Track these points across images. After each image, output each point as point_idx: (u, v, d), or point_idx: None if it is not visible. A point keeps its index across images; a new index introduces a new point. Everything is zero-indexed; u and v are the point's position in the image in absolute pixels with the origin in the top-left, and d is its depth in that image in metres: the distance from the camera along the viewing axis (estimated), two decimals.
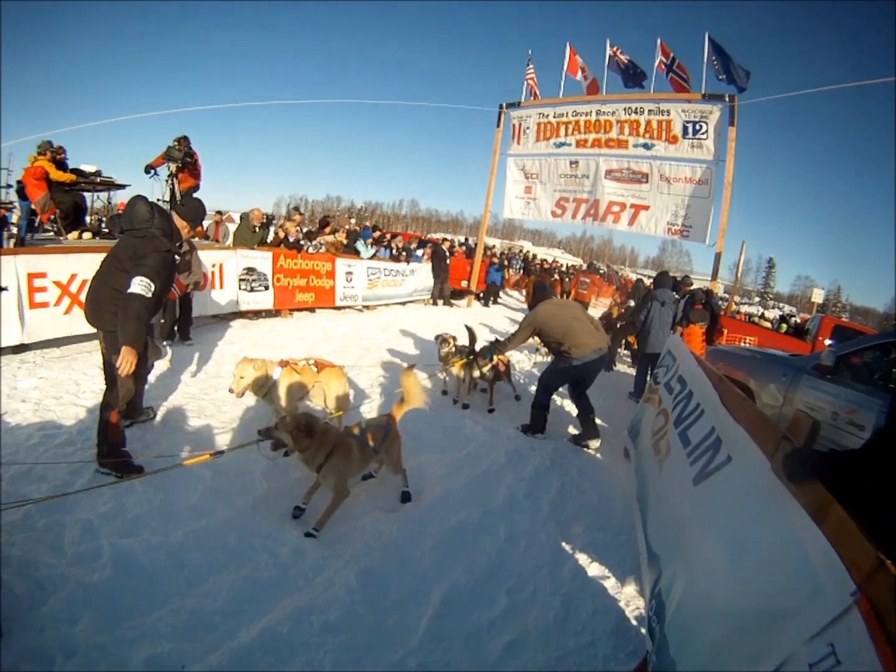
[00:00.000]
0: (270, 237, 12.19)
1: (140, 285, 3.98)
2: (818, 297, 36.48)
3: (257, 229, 11.18)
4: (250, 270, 10.27)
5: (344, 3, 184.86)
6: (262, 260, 10.56)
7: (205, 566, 3.30)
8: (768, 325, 20.35)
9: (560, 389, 6.71)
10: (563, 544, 4.14)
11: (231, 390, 4.75)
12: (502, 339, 6.82)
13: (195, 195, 10.15)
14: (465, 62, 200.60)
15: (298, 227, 12.59)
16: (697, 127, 13.09)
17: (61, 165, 9.98)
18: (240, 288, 10.03)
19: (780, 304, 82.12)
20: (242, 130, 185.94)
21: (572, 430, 6.61)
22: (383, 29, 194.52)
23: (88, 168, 11.99)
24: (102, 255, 4.65)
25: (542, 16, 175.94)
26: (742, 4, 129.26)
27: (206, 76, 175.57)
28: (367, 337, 10.57)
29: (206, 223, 12.88)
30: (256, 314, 10.70)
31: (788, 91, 12.45)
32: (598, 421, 6.41)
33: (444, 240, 19.37)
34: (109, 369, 4.31)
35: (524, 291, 24.49)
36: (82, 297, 6.21)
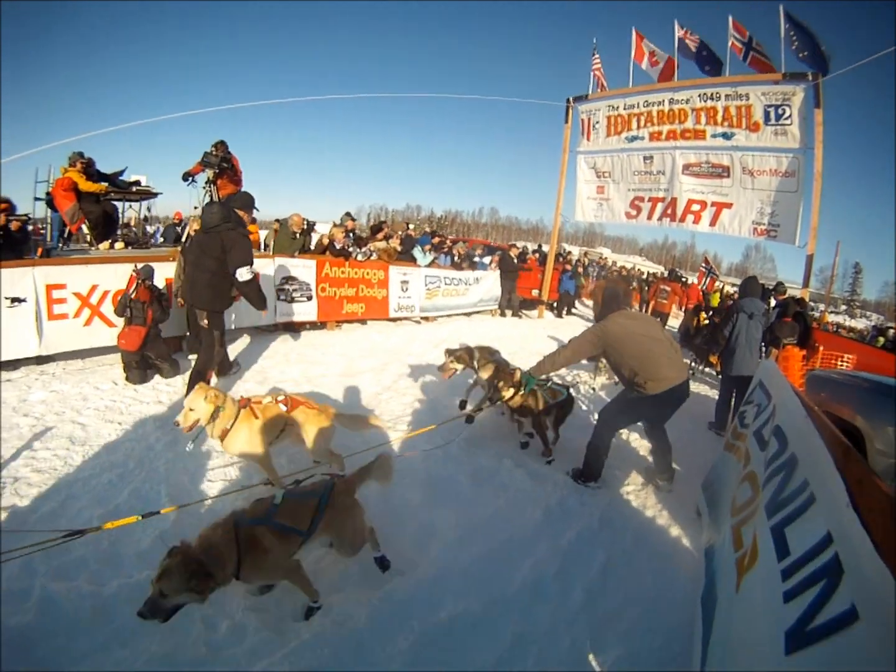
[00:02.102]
0: (314, 243, 11.47)
1: (246, 273, 5.74)
2: None
3: (297, 236, 10.49)
4: (290, 279, 9.57)
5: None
6: (303, 268, 9.84)
7: (132, 627, 2.77)
8: (852, 335, 18.30)
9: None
10: (592, 657, 2.98)
11: (177, 423, 3.80)
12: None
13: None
14: (532, 58, 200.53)
15: (348, 234, 11.81)
16: (780, 111, 11.63)
17: (91, 175, 9.72)
18: (278, 298, 9.33)
19: (867, 313, 77.74)
20: (321, 137, 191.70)
21: (636, 478, 5.38)
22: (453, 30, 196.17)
23: (134, 178, 11.90)
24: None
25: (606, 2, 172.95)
26: None
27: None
28: (415, 353, 9.54)
29: (263, 233, 12.50)
30: (300, 326, 9.98)
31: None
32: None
33: (513, 246, 18.20)
34: (208, 337, 6.06)
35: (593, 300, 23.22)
36: (104, 309, 6.90)
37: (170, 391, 6.35)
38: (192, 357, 7.18)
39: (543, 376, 5.40)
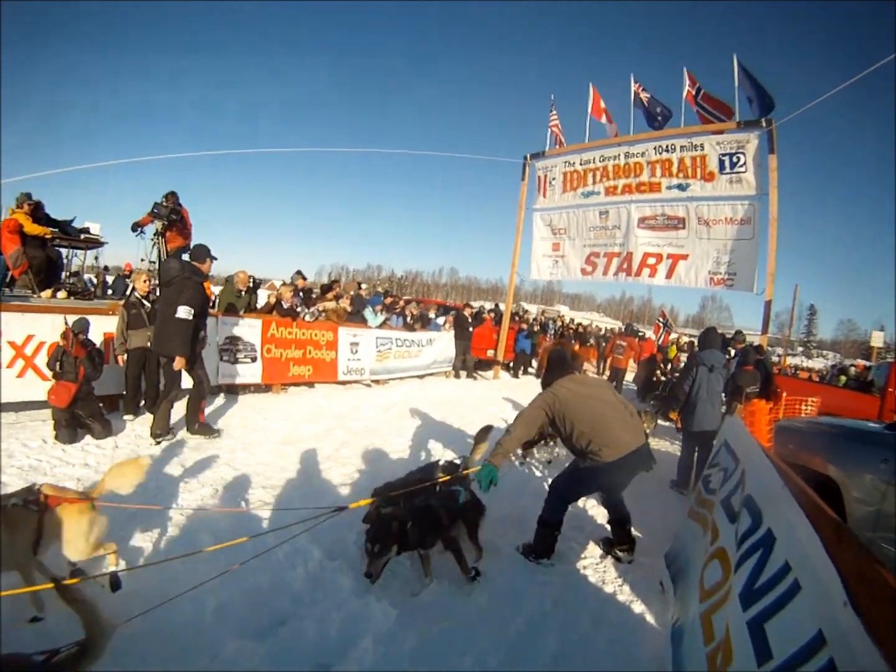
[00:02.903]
0: (261, 303, 11.01)
1: (183, 312, 6.20)
2: (878, 340, 33.41)
3: (242, 294, 10.06)
4: (234, 339, 9.10)
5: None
6: (248, 328, 9.38)
7: None
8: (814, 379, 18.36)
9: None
10: None
11: None
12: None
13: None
14: (491, 116, 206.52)
15: (297, 293, 11.38)
16: (735, 159, 11.65)
17: (38, 219, 9.41)
18: (221, 358, 8.85)
19: (824, 352, 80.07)
20: (283, 191, 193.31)
21: (594, 549, 4.85)
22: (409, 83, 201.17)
23: (88, 225, 11.59)
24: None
25: (564, 57, 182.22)
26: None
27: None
28: (364, 417, 9.02)
29: (217, 289, 12.18)
30: (244, 388, 9.46)
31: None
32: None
33: (468, 305, 17.97)
34: (195, 376, 6.76)
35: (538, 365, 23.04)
36: (38, 361, 6.59)
37: (98, 453, 5.91)
38: (128, 417, 7.07)
39: None
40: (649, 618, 3.78)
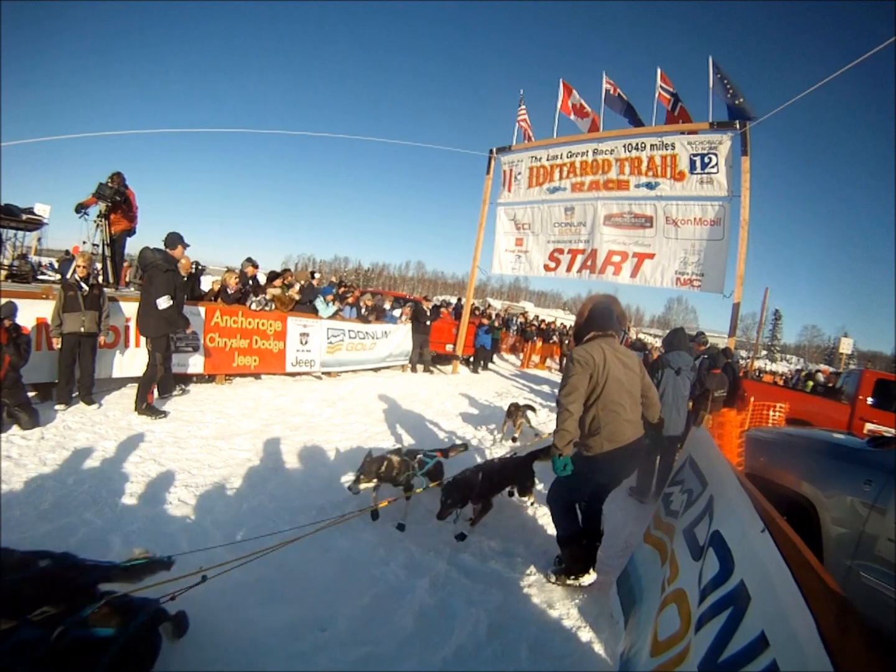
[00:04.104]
0: (206, 288, 10.63)
1: (163, 302, 7.05)
2: (847, 347, 33.89)
3: (185, 280, 9.54)
4: None
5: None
6: (191, 315, 8.79)
7: None
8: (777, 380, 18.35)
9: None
10: None
11: None
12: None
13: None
14: (459, 108, 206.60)
15: (247, 280, 10.96)
16: (706, 160, 11.50)
17: None
18: None
19: (788, 356, 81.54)
20: (249, 177, 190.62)
21: (542, 562, 4.44)
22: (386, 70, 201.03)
23: (40, 206, 11.23)
24: None
25: (534, 52, 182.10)
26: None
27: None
28: (305, 412, 8.57)
29: None
30: (186, 379, 9.02)
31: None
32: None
33: (426, 298, 17.67)
34: (151, 358, 7.30)
35: (520, 355, 22.85)
36: None
37: (22, 445, 5.55)
38: (59, 407, 6.75)
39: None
40: (597, 647, 3.35)
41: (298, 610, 3.31)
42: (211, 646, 2.85)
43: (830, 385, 16.64)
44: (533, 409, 8.96)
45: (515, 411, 8.52)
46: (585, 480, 3.99)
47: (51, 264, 16.22)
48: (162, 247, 7.45)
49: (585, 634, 3.48)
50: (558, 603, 3.85)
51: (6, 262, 9.95)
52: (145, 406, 7.09)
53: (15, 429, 5.92)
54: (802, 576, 1.65)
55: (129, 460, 5.53)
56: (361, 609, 3.43)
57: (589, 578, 4.05)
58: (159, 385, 7.81)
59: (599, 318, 4.07)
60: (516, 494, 5.67)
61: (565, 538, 4.13)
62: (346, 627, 3.23)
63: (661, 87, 12.20)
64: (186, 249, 7.86)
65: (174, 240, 7.52)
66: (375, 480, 4.79)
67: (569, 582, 4.07)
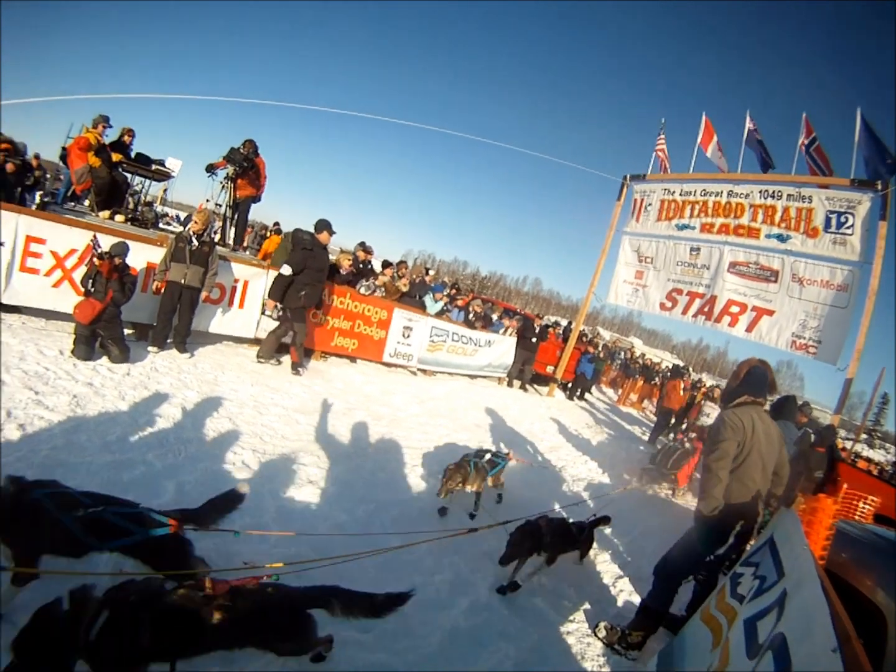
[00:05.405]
0: None
1: (284, 269, 7.82)
2: None
3: (341, 273, 9.90)
4: None
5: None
6: None
7: None
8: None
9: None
10: None
11: None
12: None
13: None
14: (596, 129, 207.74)
15: (360, 264, 11.03)
16: (843, 219, 10.66)
17: (121, 148, 9.90)
18: (263, 312, 8.54)
19: (887, 445, 75.79)
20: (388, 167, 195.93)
21: (584, 614, 4.22)
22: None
23: (171, 160, 11.74)
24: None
25: (679, 84, 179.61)
26: None
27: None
28: (393, 405, 8.52)
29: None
30: (282, 348, 8.97)
31: None
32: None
33: (538, 316, 17.26)
34: (296, 324, 8.20)
35: (619, 391, 22.01)
36: (75, 275, 6.52)
37: (106, 377, 5.76)
38: (152, 349, 7.00)
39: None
40: None
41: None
42: None
43: None
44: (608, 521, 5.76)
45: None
46: (720, 530, 3.80)
47: (177, 216, 16.89)
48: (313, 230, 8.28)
49: None
50: (592, 658, 3.64)
51: (131, 206, 10.25)
52: (293, 363, 8.40)
53: (104, 360, 6.18)
54: None
55: (206, 414, 5.64)
56: (392, 615, 3.15)
57: (636, 655, 3.79)
58: (261, 347, 8.37)
59: (756, 382, 3.95)
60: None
61: (654, 611, 3.91)
62: (370, 629, 3.11)
63: (804, 136, 11.38)
64: (332, 237, 8.47)
65: (322, 226, 8.30)
66: (460, 485, 4.89)
67: (617, 647, 3.81)
